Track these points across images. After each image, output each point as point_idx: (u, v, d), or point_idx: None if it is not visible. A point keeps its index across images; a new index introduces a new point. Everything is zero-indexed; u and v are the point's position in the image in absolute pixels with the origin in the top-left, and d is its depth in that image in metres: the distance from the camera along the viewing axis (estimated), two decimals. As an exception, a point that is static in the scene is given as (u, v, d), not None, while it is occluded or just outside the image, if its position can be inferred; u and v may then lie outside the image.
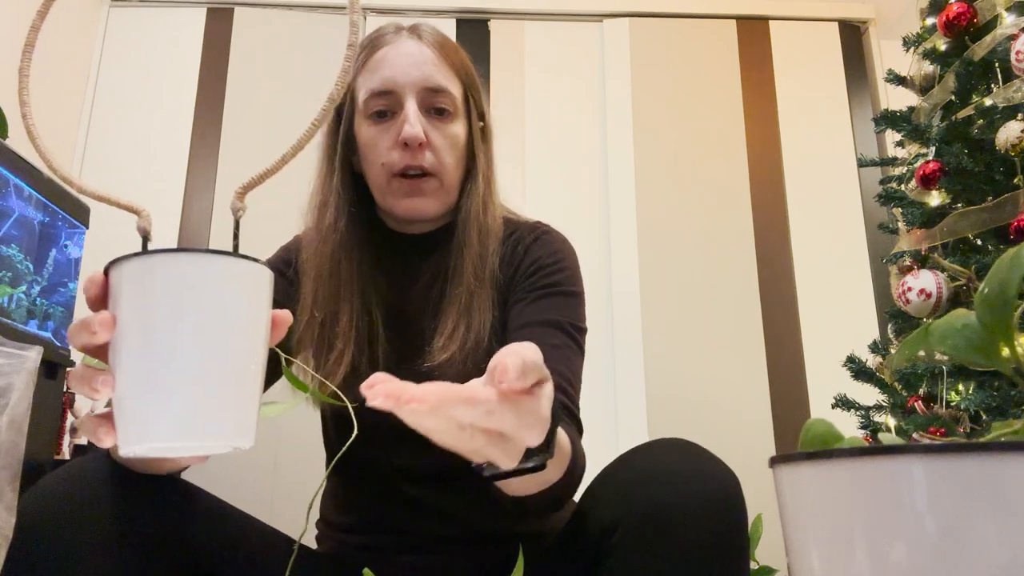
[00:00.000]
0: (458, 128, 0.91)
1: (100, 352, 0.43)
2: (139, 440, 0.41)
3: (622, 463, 0.72)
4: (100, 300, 0.43)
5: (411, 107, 0.87)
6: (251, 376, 0.43)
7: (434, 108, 0.89)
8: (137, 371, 0.41)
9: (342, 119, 0.92)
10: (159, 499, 0.71)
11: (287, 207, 0.97)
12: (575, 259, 0.95)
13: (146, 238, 0.46)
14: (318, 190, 0.93)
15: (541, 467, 0.53)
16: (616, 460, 0.73)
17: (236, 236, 0.48)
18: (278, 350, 0.49)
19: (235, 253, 0.43)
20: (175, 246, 0.39)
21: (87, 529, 0.65)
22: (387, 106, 0.88)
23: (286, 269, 0.94)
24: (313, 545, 0.97)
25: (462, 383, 0.83)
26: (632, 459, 0.71)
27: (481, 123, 0.96)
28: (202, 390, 0.41)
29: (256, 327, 0.44)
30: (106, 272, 0.43)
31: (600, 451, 0.89)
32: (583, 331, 0.88)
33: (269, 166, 0.47)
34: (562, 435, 0.62)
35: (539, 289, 0.88)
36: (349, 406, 0.66)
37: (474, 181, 0.93)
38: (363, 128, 0.90)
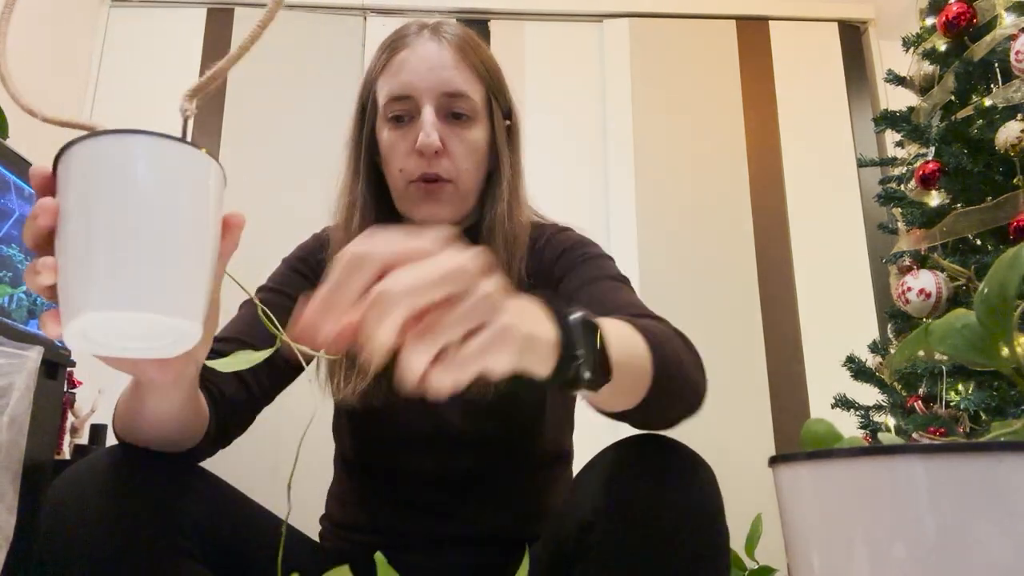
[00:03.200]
0: (478, 132, 0.89)
1: (49, 244, 0.43)
2: (76, 313, 0.40)
3: (600, 460, 0.71)
4: (46, 191, 0.43)
5: (428, 114, 0.85)
6: (195, 260, 0.44)
7: (452, 113, 0.87)
8: (77, 249, 0.41)
9: (365, 119, 0.92)
10: (185, 486, 0.71)
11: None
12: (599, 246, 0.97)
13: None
14: (345, 190, 0.93)
15: (592, 372, 0.52)
16: (595, 457, 0.72)
17: (184, 135, 0.50)
18: (290, 340, 0.46)
19: (185, 141, 0.44)
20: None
21: (117, 519, 0.64)
22: (405, 111, 0.87)
23: (303, 267, 0.94)
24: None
25: (484, 402, 0.80)
26: (609, 456, 0.70)
27: (508, 122, 0.94)
28: (144, 265, 0.40)
29: (202, 216, 0.44)
30: (55, 166, 0.43)
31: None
32: (627, 279, 0.89)
33: (217, 66, 0.49)
34: (617, 339, 0.57)
35: (574, 263, 0.89)
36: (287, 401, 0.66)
37: (497, 186, 0.91)
38: (384, 131, 0.89)
